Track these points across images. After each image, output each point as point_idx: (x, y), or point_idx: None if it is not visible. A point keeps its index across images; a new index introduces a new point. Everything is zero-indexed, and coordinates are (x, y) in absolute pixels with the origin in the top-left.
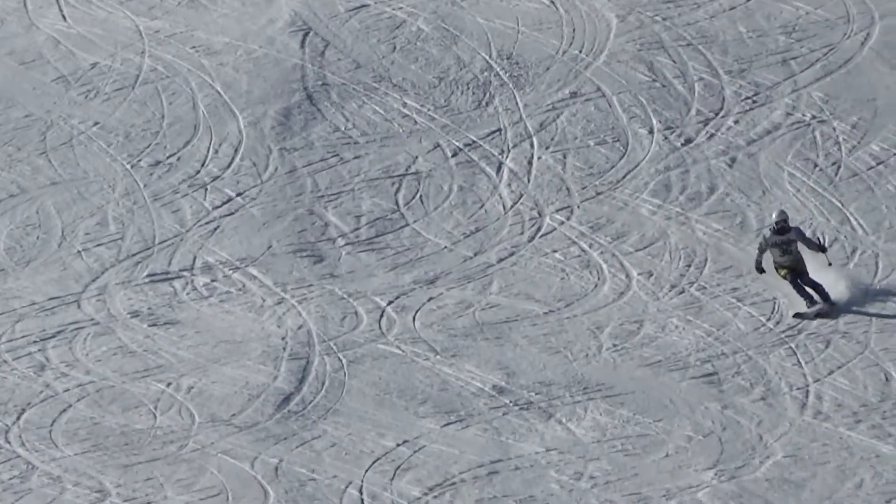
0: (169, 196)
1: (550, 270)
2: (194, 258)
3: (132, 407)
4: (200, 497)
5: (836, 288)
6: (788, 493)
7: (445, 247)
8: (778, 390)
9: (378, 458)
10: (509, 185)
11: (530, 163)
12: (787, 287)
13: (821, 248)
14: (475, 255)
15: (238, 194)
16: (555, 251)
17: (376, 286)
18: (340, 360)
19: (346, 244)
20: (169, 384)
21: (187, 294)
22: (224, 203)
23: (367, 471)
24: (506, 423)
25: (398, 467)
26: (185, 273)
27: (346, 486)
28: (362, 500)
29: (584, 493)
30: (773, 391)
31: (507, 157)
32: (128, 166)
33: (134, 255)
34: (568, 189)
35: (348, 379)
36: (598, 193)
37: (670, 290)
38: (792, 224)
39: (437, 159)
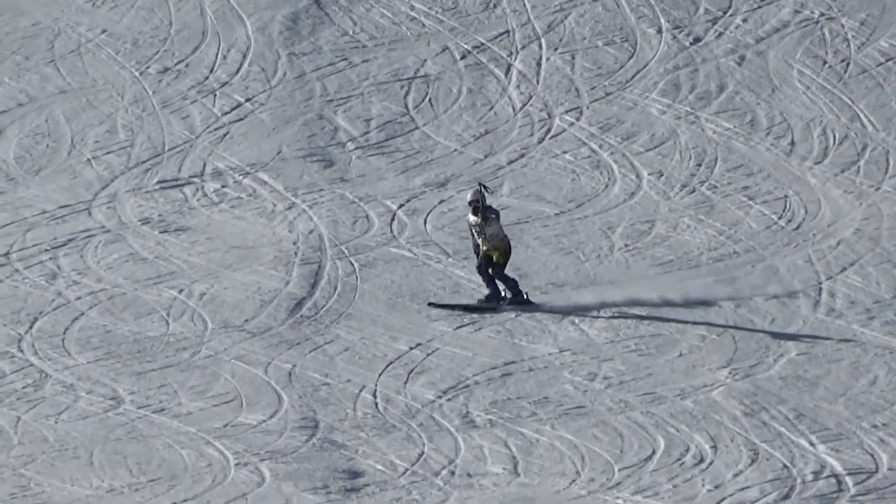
0: (178, 103)
1: (561, 171)
2: (204, 164)
3: (144, 314)
4: (214, 403)
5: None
6: (802, 391)
7: (455, 149)
8: (790, 288)
9: (391, 362)
10: (518, 86)
11: (539, 64)
12: None
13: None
14: (485, 157)
15: (247, 100)
16: (565, 152)
17: (387, 190)
18: (352, 265)
19: (356, 148)
20: (181, 291)
21: (198, 200)
22: (233, 109)
23: (380, 375)
24: (518, 325)
25: (411, 371)
26: (195, 179)
27: (360, 391)
28: (376, 403)
29: (599, 393)
30: (785, 289)
31: (515, 58)
32: (136, 73)
33: (144, 162)
34: (577, 90)
35: (360, 283)
36: (608, 94)
37: (681, 190)
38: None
39: (446, 62)
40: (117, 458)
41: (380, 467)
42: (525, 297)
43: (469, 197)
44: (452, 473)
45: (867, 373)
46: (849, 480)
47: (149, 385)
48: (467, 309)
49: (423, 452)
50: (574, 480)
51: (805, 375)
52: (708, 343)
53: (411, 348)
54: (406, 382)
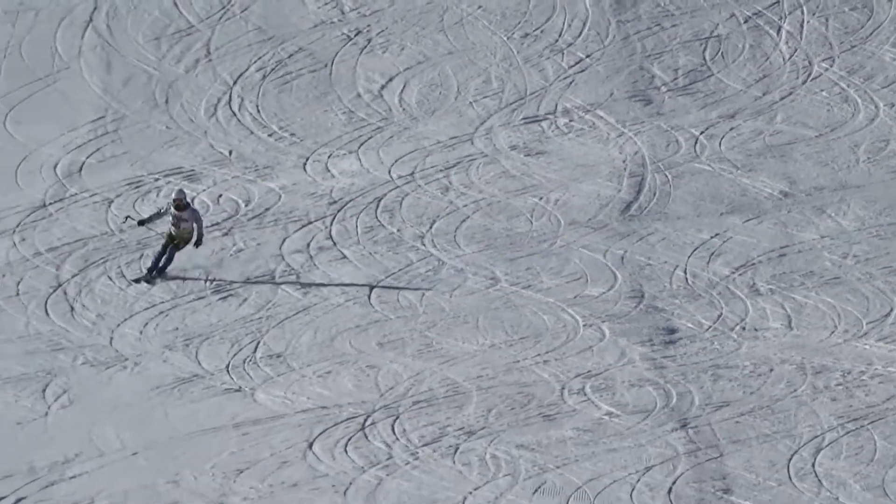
0: (535, 59)
1: (819, 105)
2: (556, 105)
3: (514, 216)
4: (567, 280)
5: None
6: None
7: (741, 89)
8: None
9: (697, 247)
10: (787, 42)
11: (801, 25)
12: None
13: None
14: (763, 94)
15: (587, 56)
16: (822, 90)
17: (691, 121)
18: (666, 176)
19: (668, 90)
20: (541, 198)
21: (552, 131)
22: (576, 63)
23: (689, 257)
24: (790, 218)
25: (711, 254)
26: (549, 116)
27: (674, 269)
28: (686, 278)
29: (850, 268)
30: None
31: (784, 21)
32: (505, 38)
33: (511, 103)
34: (830, 44)
35: (673, 190)
36: (853, 46)
37: None
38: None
39: (733, 25)
40: (496, 323)
41: (689, 325)
42: (152, 275)
43: (174, 196)
44: (743, 328)
45: None
46: None
47: (518, 268)
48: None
49: (721, 313)
50: (833, 332)
51: None
52: None
53: (711, 237)
54: (708, 262)
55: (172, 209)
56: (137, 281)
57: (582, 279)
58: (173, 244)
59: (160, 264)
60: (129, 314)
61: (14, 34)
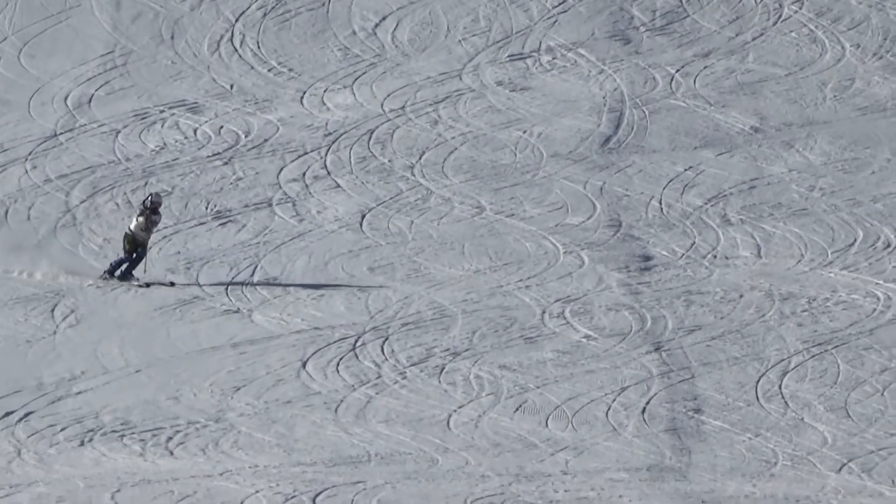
0: (521, 0)
1: (789, 45)
2: (540, 43)
3: (499, 148)
4: (548, 210)
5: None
6: None
7: (715, 30)
8: None
9: (671, 179)
10: None
11: None
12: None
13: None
14: (736, 35)
15: None
16: (791, 31)
17: (667, 59)
18: (644, 112)
19: (646, 31)
20: (524, 131)
21: (536, 68)
22: (560, 3)
23: (664, 188)
24: (760, 152)
25: (685, 185)
26: (534, 53)
27: (650, 200)
28: (661, 209)
29: (816, 200)
30: None
31: None
32: None
33: (498, 42)
34: None
35: (649, 124)
36: None
37: (872, 56)
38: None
39: None
40: (481, 249)
41: (664, 253)
42: (112, 274)
43: (156, 199)
44: (715, 257)
45: None
46: None
47: (502, 197)
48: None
49: (694, 242)
50: (800, 260)
51: None
52: (892, 164)
53: (685, 170)
54: (682, 194)
55: (147, 213)
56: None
57: (563, 209)
58: (133, 243)
59: (123, 268)
60: None
61: None
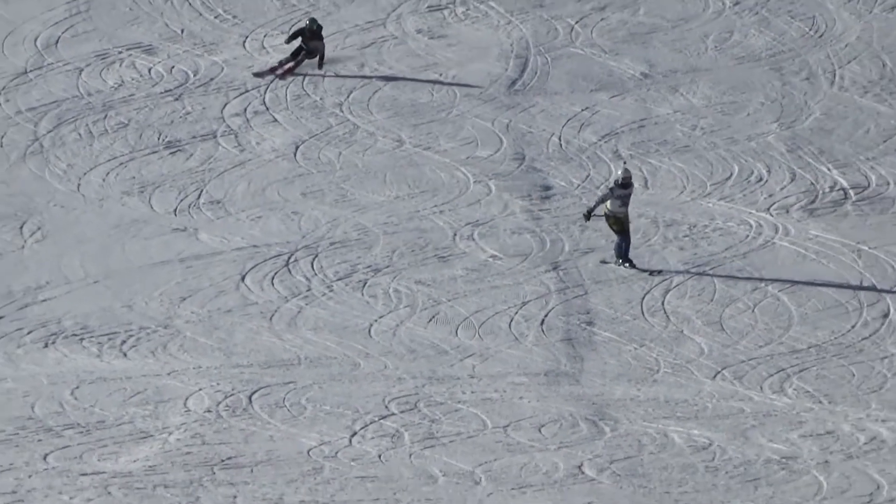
0: None
1: (676, 0)
2: None
3: (418, 89)
4: (460, 144)
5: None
6: (823, 137)
7: None
8: (817, 73)
9: (570, 119)
10: None
11: None
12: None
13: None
14: None
15: None
16: None
17: (568, 11)
18: (546, 58)
19: None
20: (440, 74)
21: (452, 19)
22: None
23: (563, 126)
24: (648, 95)
25: (582, 124)
26: (450, 5)
27: (551, 136)
28: (560, 144)
29: (698, 138)
30: (813, 74)
31: None
32: None
33: None
34: None
35: (551, 70)
36: None
37: (749, 12)
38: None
39: None
40: (401, 178)
41: (562, 183)
42: (626, 259)
43: (621, 173)
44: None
45: (863, 125)
46: (851, 192)
47: (420, 132)
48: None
49: (588, 174)
50: (682, 191)
51: (825, 128)
52: (765, 107)
53: (581, 110)
54: (579, 131)
55: (617, 188)
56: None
57: (473, 143)
58: (620, 227)
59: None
60: (93, 165)
61: None
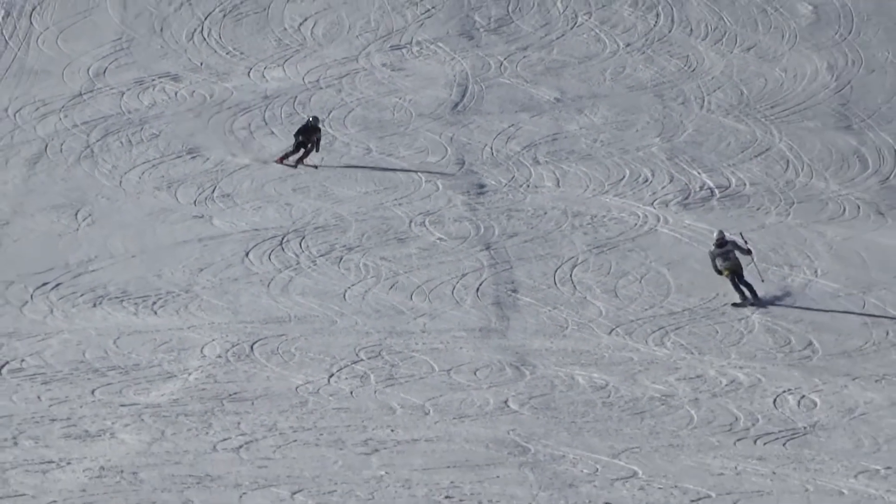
0: (400, 8)
1: (582, 43)
2: (412, 38)
3: (383, 109)
4: (415, 152)
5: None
6: (695, 149)
7: (531, 31)
8: (690, 99)
9: (499, 133)
10: (562, 1)
11: None
12: (728, 284)
13: (748, 252)
14: (545, 35)
15: (433, 7)
16: (584, 34)
17: (499, 51)
18: (481, 86)
19: (484, 30)
20: (400, 98)
21: (409, 55)
22: (426, 11)
23: (494, 139)
24: (560, 115)
25: (509, 137)
26: (408, 45)
27: (485, 146)
28: (492, 152)
29: (598, 148)
30: (687, 99)
31: None
32: None
33: (383, 37)
34: (589, 3)
35: (485, 95)
36: (603, 6)
37: (637, 52)
38: (728, 238)
39: None
40: (369, 178)
41: (493, 182)
42: (756, 297)
43: (715, 235)
44: (528, 186)
45: (726, 140)
46: (716, 191)
47: (384, 143)
48: (749, 305)
49: (513, 176)
50: (585, 189)
51: (696, 140)
52: (650, 124)
53: (508, 126)
54: (506, 142)
55: (714, 249)
56: None
57: (425, 151)
58: (734, 275)
59: (745, 292)
60: (132, 166)
61: None
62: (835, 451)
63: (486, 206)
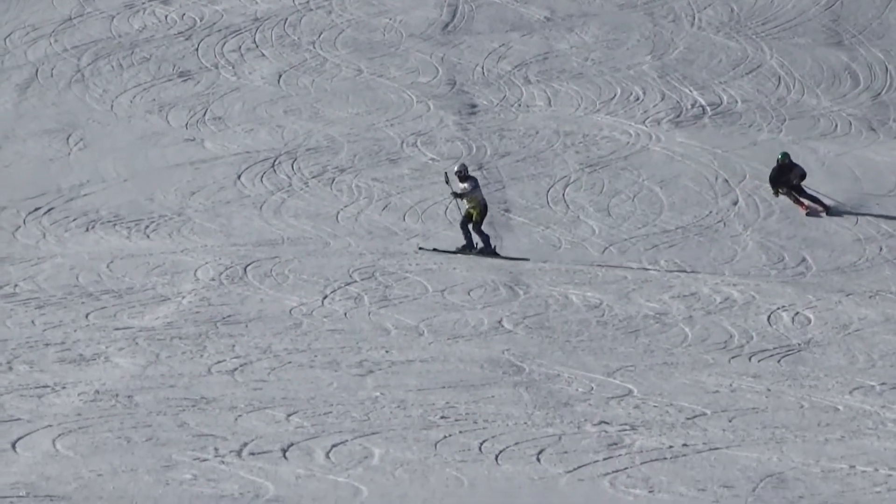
0: None
1: None
2: None
3: (373, 30)
4: (407, 72)
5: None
6: (686, 66)
7: None
8: (681, 16)
9: (490, 52)
10: None
11: None
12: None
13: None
14: None
15: None
16: None
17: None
18: (472, 6)
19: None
20: (390, 19)
21: None
22: None
23: (485, 58)
24: (551, 34)
25: (500, 56)
26: None
27: (476, 66)
28: (483, 72)
29: (589, 67)
30: (678, 17)
31: None
32: None
33: None
34: None
35: (476, 15)
36: None
37: None
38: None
39: None
40: (360, 99)
41: (485, 102)
42: (493, 248)
43: (455, 168)
44: (519, 105)
45: (717, 57)
46: (708, 108)
47: (375, 63)
48: (447, 251)
49: (505, 95)
50: (577, 108)
51: (687, 58)
52: (640, 42)
53: (499, 46)
54: (497, 62)
55: (459, 184)
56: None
57: (416, 71)
58: (470, 217)
59: (472, 243)
60: (123, 90)
61: None
62: (829, 368)
63: (477, 125)
